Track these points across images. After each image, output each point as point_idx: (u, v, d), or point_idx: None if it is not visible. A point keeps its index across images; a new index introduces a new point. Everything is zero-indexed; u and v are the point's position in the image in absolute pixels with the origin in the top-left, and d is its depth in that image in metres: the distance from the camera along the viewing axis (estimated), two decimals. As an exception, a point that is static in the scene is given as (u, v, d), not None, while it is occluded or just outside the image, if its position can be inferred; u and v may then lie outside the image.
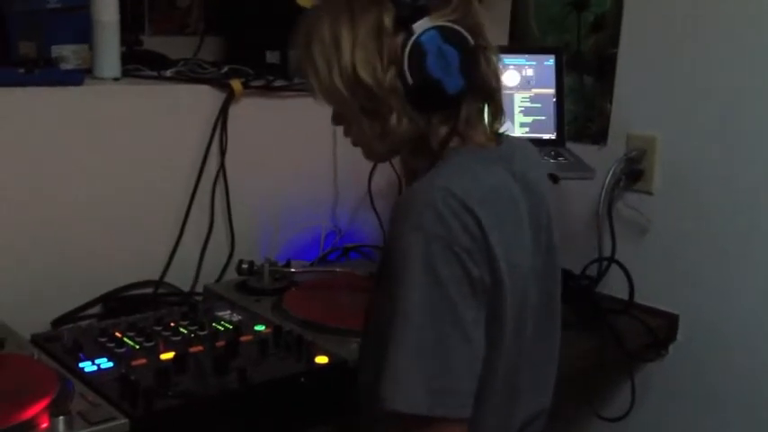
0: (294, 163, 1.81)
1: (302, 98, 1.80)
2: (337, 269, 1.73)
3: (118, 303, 1.56)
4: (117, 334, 1.34)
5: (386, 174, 1.89)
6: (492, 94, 1.06)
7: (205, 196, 1.68)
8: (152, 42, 1.92)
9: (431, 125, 1.03)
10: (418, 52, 0.98)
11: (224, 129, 1.68)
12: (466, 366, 0.96)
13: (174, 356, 1.25)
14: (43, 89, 1.48)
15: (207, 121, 1.67)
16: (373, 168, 1.84)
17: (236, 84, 1.69)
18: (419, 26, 0.98)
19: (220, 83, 1.69)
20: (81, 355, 1.26)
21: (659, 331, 1.74)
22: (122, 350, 1.29)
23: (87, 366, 1.23)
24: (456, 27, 1.00)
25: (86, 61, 1.65)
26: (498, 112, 1.08)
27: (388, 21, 1.00)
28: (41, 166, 1.48)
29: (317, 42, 1.04)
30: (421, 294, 0.94)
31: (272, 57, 1.95)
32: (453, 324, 0.95)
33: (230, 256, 1.73)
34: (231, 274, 1.70)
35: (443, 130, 1.03)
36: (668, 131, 1.76)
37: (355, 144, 1.12)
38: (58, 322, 1.49)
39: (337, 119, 1.12)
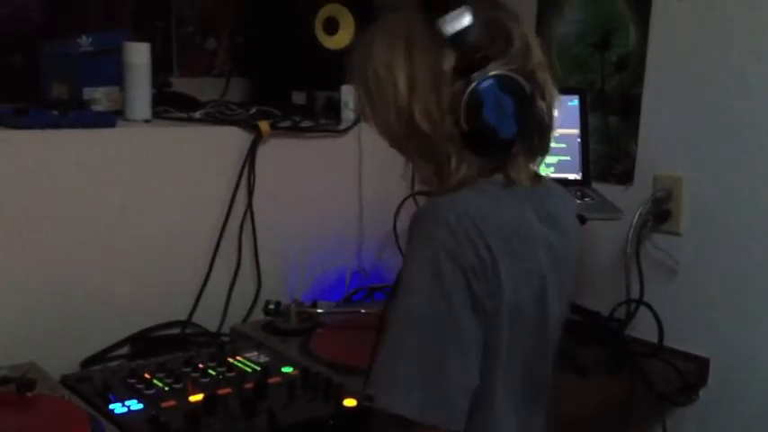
0: (320, 203, 1.82)
1: (328, 139, 1.82)
2: (363, 310, 1.73)
3: (146, 344, 1.56)
4: (146, 375, 1.34)
5: (411, 213, 1.89)
6: (543, 132, 1.07)
7: (233, 236, 1.70)
8: (180, 84, 1.96)
9: (482, 164, 1.03)
10: (476, 101, 0.99)
11: (252, 169, 1.70)
12: (461, 379, 0.96)
13: (204, 398, 1.26)
14: (77, 131, 1.50)
15: (235, 162, 1.68)
16: (398, 208, 1.85)
17: (263, 125, 1.71)
18: (477, 75, 0.99)
19: (248, 124, 1.71)
20: (111, 396, 1.27)
21: (690, 375, 1.71)
22: (152, 392, 1.29)
23: (117, 408, 1.24)
24: (513, 76, 1.00)
25: (117, 103, 1.68)
26: (543, 148, 1.08)
27: (447, 68, 1.00)
28: (74, 206, 1.50)
29: (373, 76, 1.05)
30: (426, 301, 0.95)
31: (297, 98, 1.98)
32: (454, 335, 0.96)
33: (257, 296, 1.73)
34: (258, 315, 1.70)
35: (491, 166, 1.04)
36: (695, 171, 1.75)
37: (418, 177, 1.15)
38: (87, 363, 1.49)
39: (394, 147, 1.11)
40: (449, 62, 1.00)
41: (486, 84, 0.99)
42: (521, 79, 1.01)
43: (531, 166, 1.07)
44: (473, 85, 0.99)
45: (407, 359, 0.96)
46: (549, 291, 1.06)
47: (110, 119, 1.58)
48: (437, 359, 0.95)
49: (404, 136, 1.04)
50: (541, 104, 1.04)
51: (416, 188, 1.67)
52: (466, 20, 0.99)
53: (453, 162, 1.02)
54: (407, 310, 0.97)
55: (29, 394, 1.21)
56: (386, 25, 1.07)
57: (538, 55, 1.05)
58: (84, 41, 1.69)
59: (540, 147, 1.07)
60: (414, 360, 0.95)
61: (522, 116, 1.01)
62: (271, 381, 1.34)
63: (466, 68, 0.99)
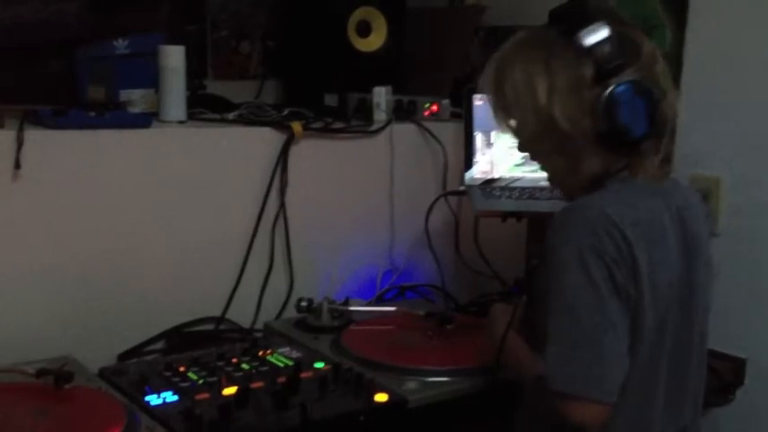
0: (352, 202, 1.83)
1: (360, 139, 1.83)
2: (394, 308, 1.73)
3: (181, 338, 1.58)
4: (181, 368, 1.36)
5: (442, 213, 1.89)
6: (664, 133, 1.18)
7: (266, 235, 1.71)
8: (214, 87, 1.99)
9: (612, 161, 1.18)
10: (614, 103, 1.13)
11: (284, 169, 1.71)
12: (613, 358, 1.11)
13: (237, 392, 1.27)
14: (113, 131, 1.53)
15: (268, 162, 1.70)
16: (430, 208, 1.85)
17: (296, 126, 1.72)
18: (614, 81, 1.13)
19: (281, 125, 1.73)
20: (147, 388, 1.29)
21: (726, 375, 1.69)
22: (186, 384, 1.31)
23: (153, 400, 1.26)
24: (644, 82, 1.14)
25: (153, 105, 1.71)
26: (663, 147, 1.19)
27: (587, 75, 1.14)
28: (110, 204, 1.53)
29: (511, 89, 1.20)
30: (577, 292, 1.11)
31: (330, 99, 2.00)
32: (604, 319, 1.10)
33: (289, 293, 1.74)
34: (290, 312, 1.71)
35: (619, 164, 1.18)
36: (733, 172, 1.72)
37: (549, 174, 1.27)
38: (123, 356, 1.52)
39: (525, 149, 1.27)
40: (588, 70, 1.14)
41: (622, 88, 1.12)
42: (651, 85, 1.14)
43: (656, 163, 1.20)
44: (611, 89, 1.12)
45: (568, 345, 1.11)
46: (684, 276, 1.19)
47: (146, 120, 1.61)
48: (594, 343, 1.10)
49: (540, 134, 1.19)
50: (666, 108, 1.16)
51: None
52: (603, 32, 1.13)
53: (587, 157, 1.17)
54: (563, 304, 1.12)
55: (66, 386, 1.23)
56: (518, 44, 1.22)
57: (661, 64, 1.18)
58: (121, 45, 1.73)
59: (664, 146, 1.19)
60: (574, 346, 1.11)
61: (652, 118, 1.14)
62: (303, 376, 1.35)
63: (603, 75, 1.13)
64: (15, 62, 1.80)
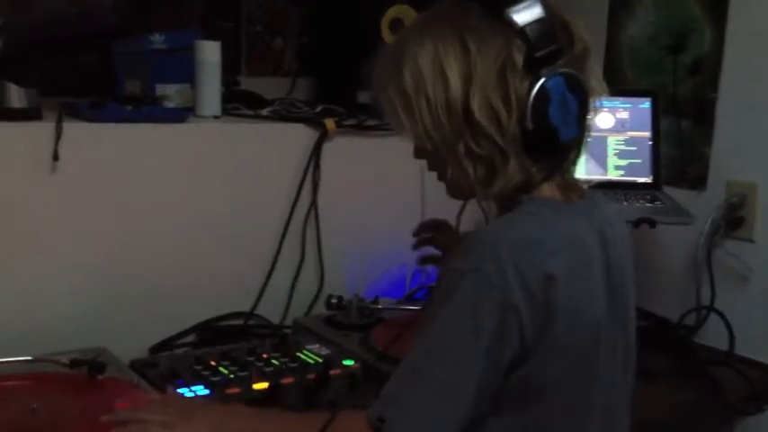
0: (383, 200, 1.83)
1: (392, 137, 1.79)
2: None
3: (211, 333, 1.59)
4: (212, 362, 1.36)
5: (474, 213, 1.88)
6: (583, 142, 1.02)
7: (297, 231, 1.71)
8: (247, 83, 1.99)
9: (533, 170, 0.96)
10: (544, 98, 0.92)
11: (317, 165, 1.71)
12: (467, 419, 0.91)
13: (268, 387, 1.27)
14: (149, 125, 1.54)
15: (301, 158, 1.70)
16: (462, 208, 1.84)
17: (329, 122, 1.72)
18: (546, 71, 0.92)
19: (314, 121, 1.73)
20: (179, 381, 1.29)
21: (760, 384, 1.66)
22: (217, 378, 1.31)
23: (184, 393, 1.26)
24: (578, 76, 0.94)
25: (188, 100, 1.72)
26: (579, 157, 1.03)
27: (519, 60, 0.92)
28: (145, 197, 1.54)
29: (413, 77, 0.95)
30: (455, 336, 0.90)
31: (363, 97, 1.99)
32: (474, 376, 0.90)
33: (319, 290, 1.74)
34: (320, 309, 1.71)
35: (540, 175, 0.97)
36: (771, 178, 1.70)
37: (447, 181, 1.04)
38: (155, 349, 1.53)
39: (421, 153, 1.04)
40: (519, 54, 0.92)
41: (555, 80, 0.92)
42: (583, 80, 0.95)
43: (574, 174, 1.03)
44: (542, 80, 0.91)
45: (427, 392, 0.91)
46: (610, 308, 1.00)
47: (181, 114, 1.62)
48: (454, 399, 0.90)
49: (453, 136, 0.95)
50: (591, 110, 0.99)
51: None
52: (538, 11, 0.92)
53: (506, 163, 0.94)
54: (435, 338, 0.91)
55: (99, 377, 1.24)
56: (426, 21, 0.99)
57: (591, 59, 0.99)
58: (157, 39, 1.73)
59: (578, 156, 1.02)
60: (432, 395, 0.90)
61: (583, 120, 0.96)
62: (332, 373, 1.35)
63: (536, 62, 0.91)
64: (53, 55, 1.82)
